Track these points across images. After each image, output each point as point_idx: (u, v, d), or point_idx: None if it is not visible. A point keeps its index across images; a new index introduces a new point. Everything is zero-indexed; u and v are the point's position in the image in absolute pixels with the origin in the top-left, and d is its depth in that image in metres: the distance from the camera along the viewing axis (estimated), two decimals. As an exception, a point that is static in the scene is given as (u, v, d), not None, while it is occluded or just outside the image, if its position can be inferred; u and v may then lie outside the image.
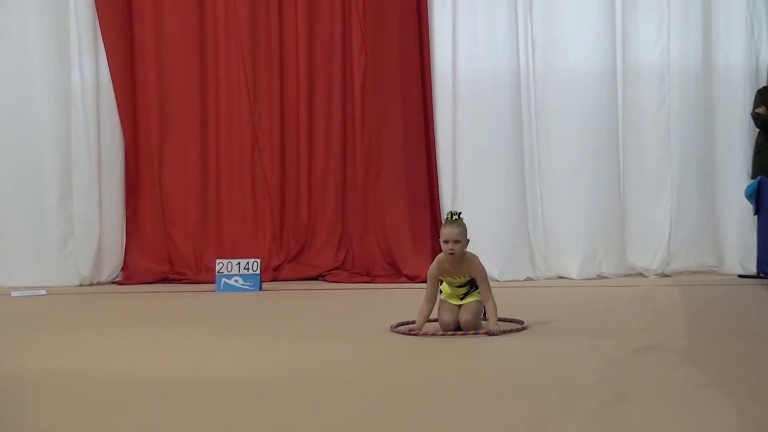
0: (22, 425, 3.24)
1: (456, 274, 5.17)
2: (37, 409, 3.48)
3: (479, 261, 5.21)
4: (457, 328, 5.16)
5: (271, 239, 8.93)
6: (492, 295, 5.16)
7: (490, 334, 4.96)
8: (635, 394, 3.51)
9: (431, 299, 5.20)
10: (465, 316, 5.13)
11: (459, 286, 5.21)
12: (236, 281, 8.03)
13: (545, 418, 3.16)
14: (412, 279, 8.33)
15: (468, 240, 5.17)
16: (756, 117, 8.13)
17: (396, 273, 8.56)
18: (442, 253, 5.18)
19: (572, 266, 8.46)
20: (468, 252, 5.19)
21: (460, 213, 5.19)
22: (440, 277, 5.24)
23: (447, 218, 5.18)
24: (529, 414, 3.23)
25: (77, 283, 8.66)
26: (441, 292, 5.32)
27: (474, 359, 4.48)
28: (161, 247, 8.97)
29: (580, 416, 3.18)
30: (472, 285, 5.23)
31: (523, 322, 5.24)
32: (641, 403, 3.35)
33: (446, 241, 5.09)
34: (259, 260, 8.13)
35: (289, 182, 9.02)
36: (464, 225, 5.14)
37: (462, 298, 5.22)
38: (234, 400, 3.54)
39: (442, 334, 5.04)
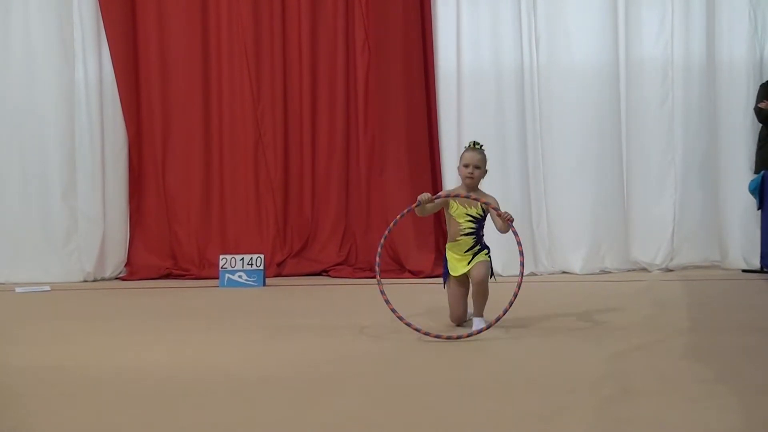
0: (25, 421, 3.24)
1: (469, 203, 5.09)
2: (40, 404, 3.48)
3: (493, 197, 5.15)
4: (462, 321, 5.17)
5: (274, 235, 8.94)
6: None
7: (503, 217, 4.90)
8: (639, 390, 3.50)
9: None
10: (477, 270, 5.05)
11: (467, 234, 5.07)
12: (240, 277, 8.03)
13: (549, 413, 3.16)
14: (415, 274, 8.34)
15: (486, 171, 5.17)
16: (759, 112, 8.11)
17: (399, 268, 8.56)
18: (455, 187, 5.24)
19: (576, 261, 8.47)
20: (483, 191, 5.17)
21: (483, 144, 5.18)
22: (450, 210, 5.13)
23: (469, 145, 5.17)
24: (533, 409, 3.23)
25: (81, 279, 8.68)
26: (447, 262, 5.18)
27: (477, 355, 4.47)
28: (165, 243, 8.98)
29: (584, 411, 3.18)
30: (479, 240, 5.11)
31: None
32: (645, 399, 3.35)
33: (467, 165, 5.10)
34: (262, 256, 8.14)
35: (293, 178, 9.03)
36: (485, 155, 5.15)
37: (469, 262, 5.11)
38: (237, 396, 3.55)
39: (447, 338, 4.71)
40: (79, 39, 8.77)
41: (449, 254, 5.19)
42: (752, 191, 8.00)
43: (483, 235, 5.18)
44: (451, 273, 5.17)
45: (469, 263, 5.12)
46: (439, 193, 5.20)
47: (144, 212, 9.06)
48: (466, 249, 5.12)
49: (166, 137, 9.02)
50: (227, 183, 9.07)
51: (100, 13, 8.78)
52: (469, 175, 5.11)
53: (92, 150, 8.76)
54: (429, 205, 5.06)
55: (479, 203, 5.08)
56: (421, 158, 8.73)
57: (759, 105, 8.11)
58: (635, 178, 8.66)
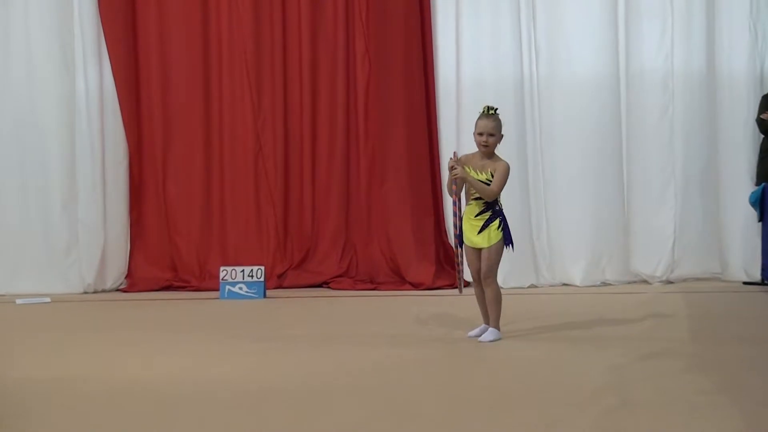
0: (27, 432, 3.24)
1: (481, 168, 5.16)
2: (40, 416, 3.48)
3: (507, 165, 5.20)
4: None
5: (275, 246, 8.93)
6: (497, 190, 5.14)
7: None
8: (640, 401, 3.50)
9: None
10: (484, 265, 5.17)
11: (477, 198, 5.16)
12: (240, 289, 8.02)
13: (550, 424, 3.16)
14: (416, 286, 8.33)
15: (502, 135, 5.23)
16: (761, 123, 8.11)
17: (400, 280, 8.55)
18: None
19: (576, 273, 8.45)
20: (499, 156, 5.24)
21: (497, 108, 5.24)
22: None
23: (483, 111, 5.23)
24: (534, 420, 3.23)
25: (81, 290, 8.66)
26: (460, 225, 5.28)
27: (478, 365, 4.47)
28: (165, 255, 8.97)
29: (585, 422, 3.18)
30: (489, 206, 5.17)
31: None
32: (646, 410, 3.35)
33: (481, 134, 5.15)
34: (263, 267, 8.13)
35: (293, 189, 9.02)
36: (500, 120, 5.21)
37: (479, 232, 5.16)
38: (237, 408, 3.54)
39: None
40: (80, 50, 8.77)
41: (465, 218, 5.25)
42: (753, 203, 7.98)
43: (495, 201, 5.19)
44: (464, 240, 5.25)
45: (479, 233, 5.15)
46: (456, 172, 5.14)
47: (144, 223, 9.05)
48: (476, 213, 5.18)
49: (166, 148, 9.01)
50: (228, 194, 9.06)
51: (100, 24, 8.78)
52: (483, 143, 5.16)
53: (93, 161, 8.75)
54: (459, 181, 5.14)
55: (488, 170, 5.13)
56: (421, 170, 8.72)
57: (761, 116, 8.10)
58: (636, 189, 8.64)
